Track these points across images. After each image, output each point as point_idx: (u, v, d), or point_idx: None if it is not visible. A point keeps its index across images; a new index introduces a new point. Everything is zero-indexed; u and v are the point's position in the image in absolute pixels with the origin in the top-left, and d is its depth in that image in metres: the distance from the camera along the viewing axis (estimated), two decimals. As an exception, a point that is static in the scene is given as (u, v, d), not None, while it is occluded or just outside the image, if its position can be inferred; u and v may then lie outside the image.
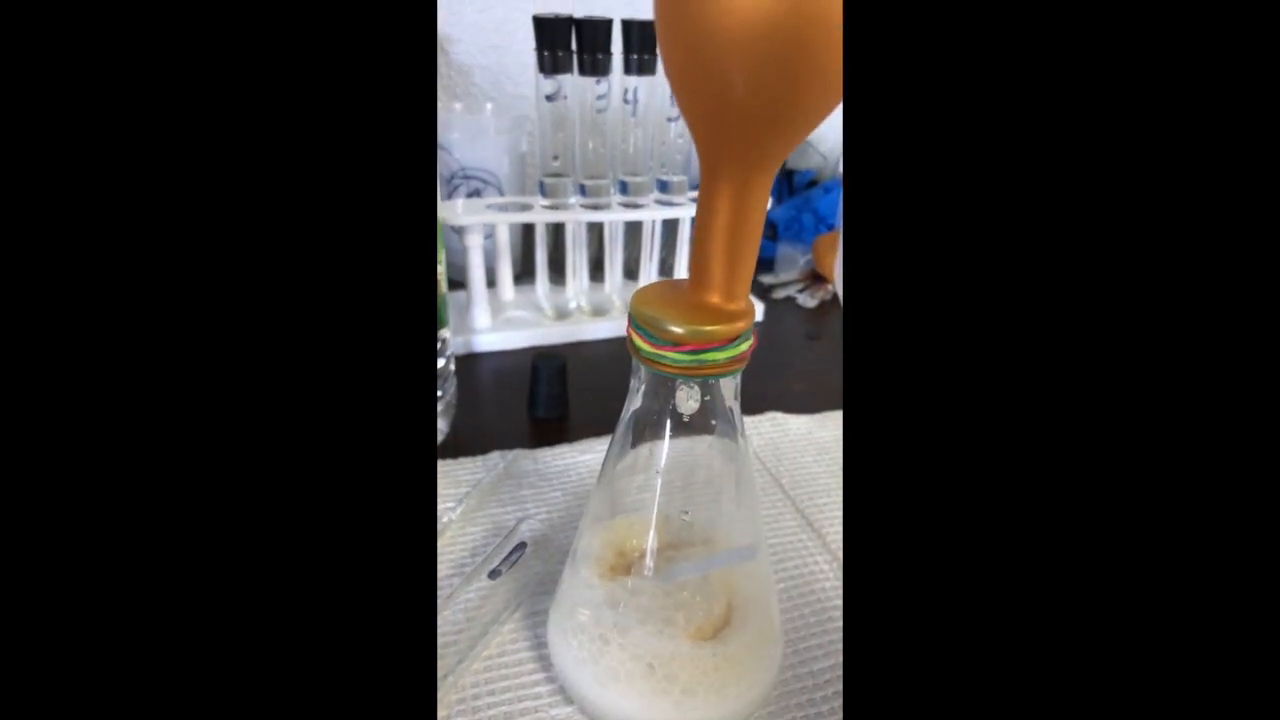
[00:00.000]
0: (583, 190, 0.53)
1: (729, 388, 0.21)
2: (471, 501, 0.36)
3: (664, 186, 0.55)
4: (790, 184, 0.77)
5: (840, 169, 0.81)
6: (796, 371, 0.52)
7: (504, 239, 0.54)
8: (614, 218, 0.54)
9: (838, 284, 0.52)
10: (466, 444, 0.41)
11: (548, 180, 0.52)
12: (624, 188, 0.54)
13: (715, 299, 0.19)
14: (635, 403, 0.22)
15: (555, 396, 0.44)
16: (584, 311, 0.57)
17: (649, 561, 0.23)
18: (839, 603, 0.31)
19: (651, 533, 0.23)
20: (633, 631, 0.22)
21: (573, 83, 0.48)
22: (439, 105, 0.61)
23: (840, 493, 0.38)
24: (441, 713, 0.25)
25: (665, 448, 0.22)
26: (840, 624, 0.30)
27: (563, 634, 0.24)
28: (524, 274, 0.62)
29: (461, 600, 0.30)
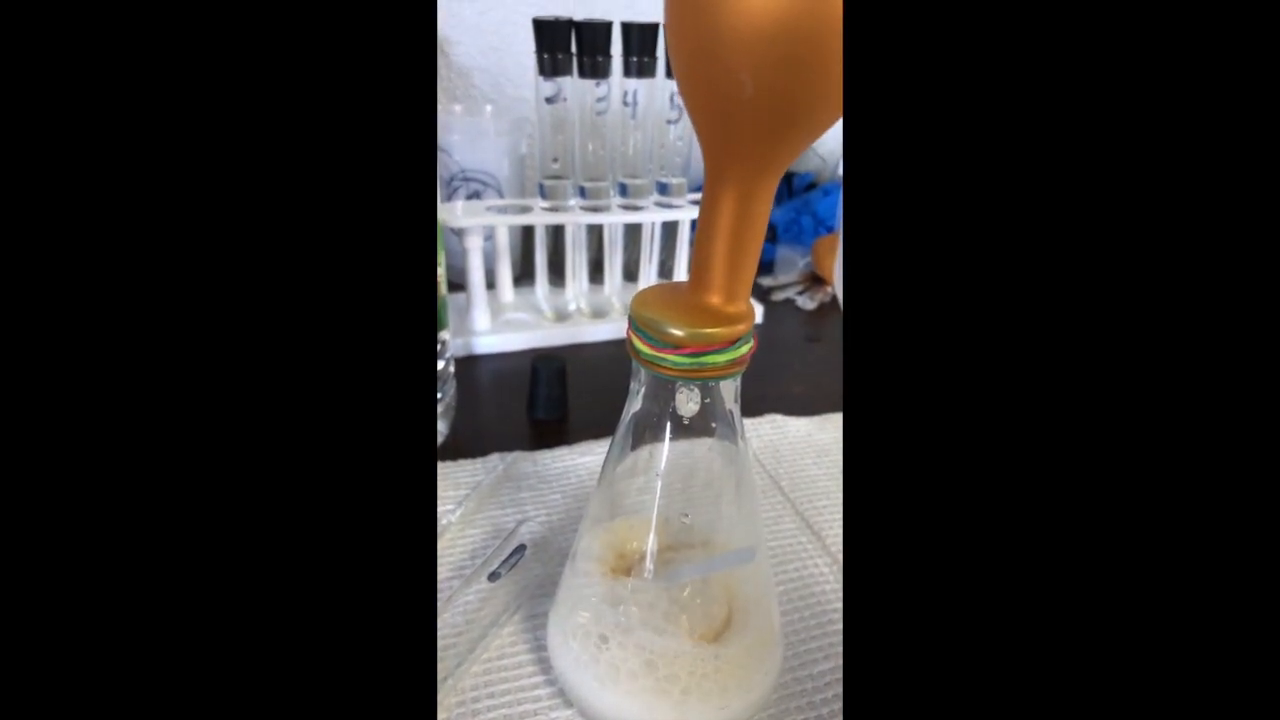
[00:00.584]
0: (582, 192, 0.53)
1: (729, 390, 0.21)
2: (471, 504, 0.36)
3: (663, 189, 0.55)
4: (790, 186, 0.77)
5: (839, 171, 0.81)
6: (796, 374, 0.52)
7: (504, 241, 0.54)
8: (614, 220, 0.54)
9: (837, 286, 0.52)
10: (466, 446, 0.41)
11: (547, 182, 0.52)
12: (623, 190, 0.54)
13: (716, 300, 0.19)
14: (635, 405, 0.22)
15: (555, 399, 0.44)
16: (583, 314, 0.57)
17: (649, 564, 0.23)
18: (839, 605, 0.31)
19: (651, 535, 0.23)
20: (633, 633, 0.22)
21: (572, 85, 0.48)
22: (439, 107, 0.62)
23: (840, 495, 0.38)
24: (441, 715, 0.25)
25: (665, 450, 0.22)
26: (840, 627, 0.30)
27: (562, 636, 0.24)
28: (523, 276, 0.62)
29: (461, 603, 0.29)
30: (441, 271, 0.39)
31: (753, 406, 0.46)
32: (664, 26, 0.16)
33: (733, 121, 0.16)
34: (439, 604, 0.29)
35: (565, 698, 0.26)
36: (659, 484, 0.22)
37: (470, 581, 0.30)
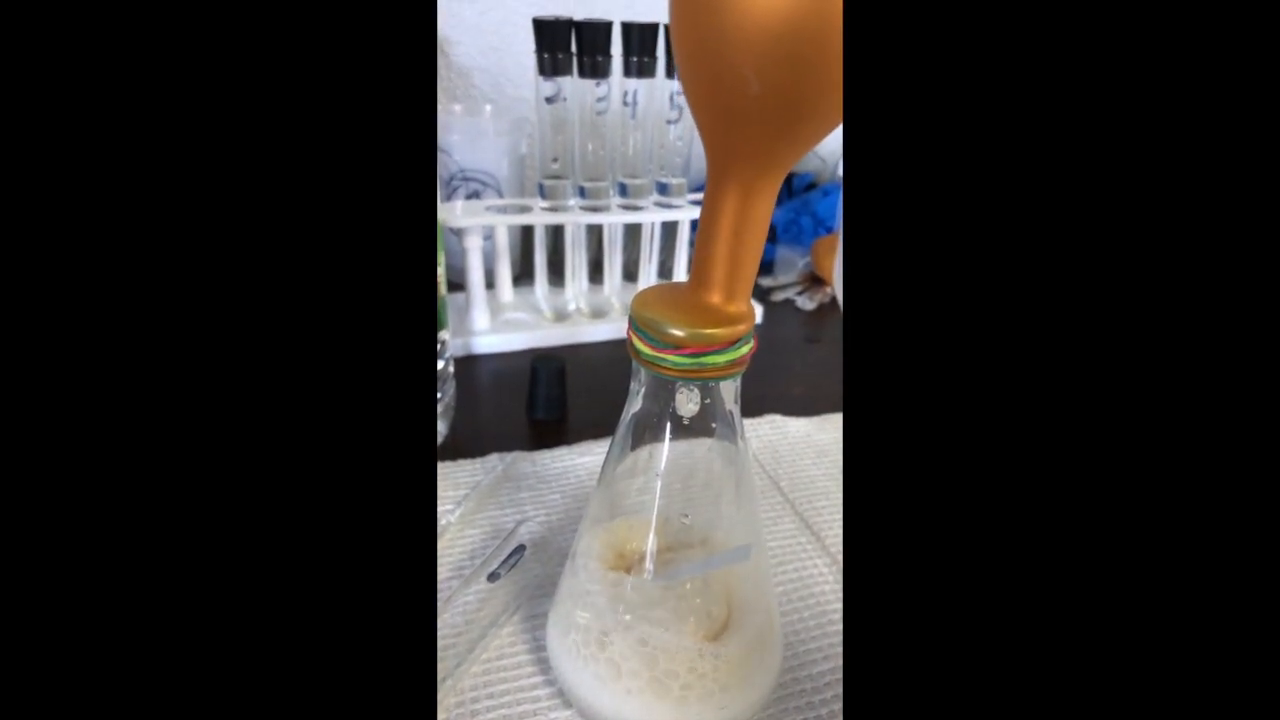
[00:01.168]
0: (582, 192, 0.53)
1: (729, 391, 0.21)
2: (470, 504, 0.36)
3: (663, 189, 0.55)
4: (789, 187, 0.77)
5: (839, 172, 0.81)
6: (795, 374, 0.52)
7: (503, 241, 0.54)
8: (613, 220, 0.54)
9: (837, 287, 0.52)
10: (465, 446, 0.41)
11: (547, 182, 0.52)
12: (623, 190, 0.54)
13: (716, 300, 0.19)
14: (635, 405, 0.22)
15: (554, 399, 0.44)
16: (583, 314, 0.57)
17: (648, 564, 0.23)
18: (838, 606, 0.31)
19: (651, 535, 0.23)
20: (632, 633, 0.22)
21: (572, 85, 0.48)
22: (438, 107, 0.61)
23: (839, 495, 0.38)
24: (440, 716, 0.25)
25: (665, 450, 0.22)
26: (839, 627, 0.30)
27: (562, 636, 0.24)
28: (523, 276, 0.62)
29: (460, 603, 0.29)
30: (441, 271, 0.39)
31: (752, 407, 0.46)
32: (669, 24, 0.16)
33: (737, 120, 0.16)
34: (438, 604, 0.29)
35: (564, 698, 0.26)
36: (659, 484, 0.22)
37: (469, 582, 0.30)
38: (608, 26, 0.47)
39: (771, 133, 0.16)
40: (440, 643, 0.27)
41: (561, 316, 0.57)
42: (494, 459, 0.39)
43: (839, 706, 0.27)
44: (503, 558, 0.32)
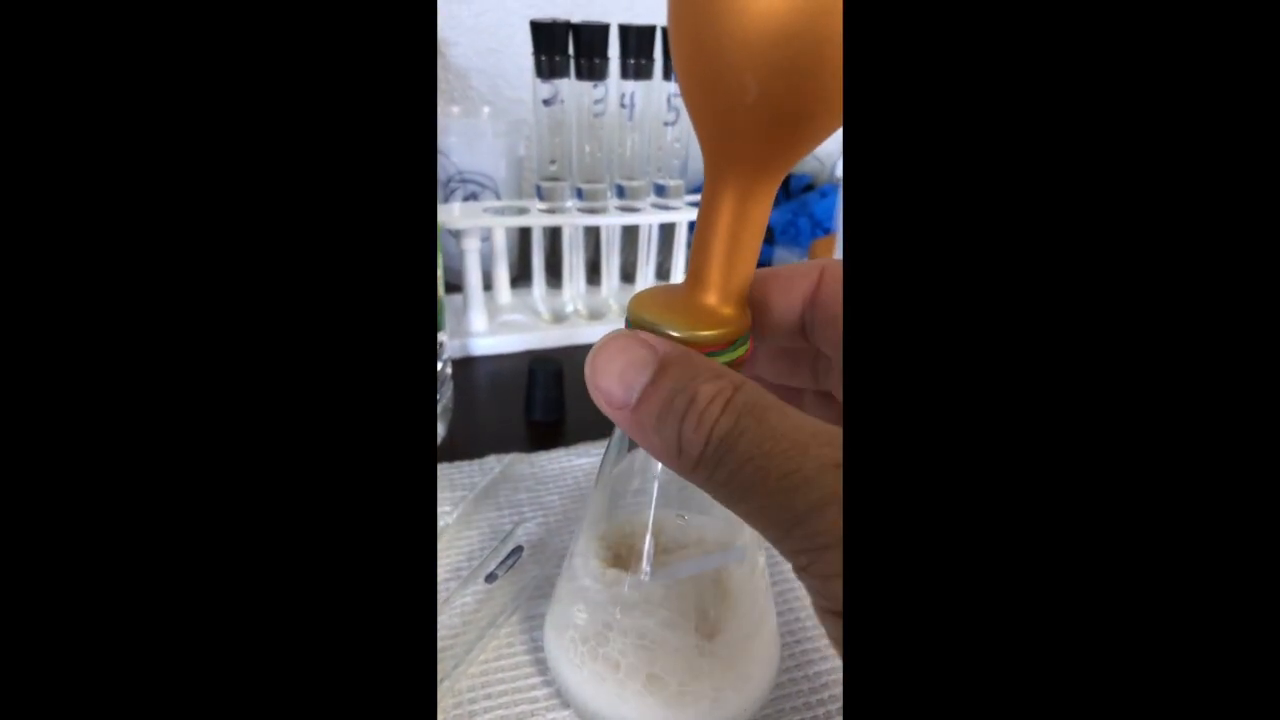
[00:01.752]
0: (579, 194, 0.53)
1: (726, 391, 0.21)
2: (468, 505, 0.36)
3: (661, 190, 0.55)
4: (787, 188, 0.78)
5: (837, 173, 0.82)
6: (793, 375, 0.52)
7: (501, 242, 0.54)
8: (611, 221, 0.54)
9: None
10: (463, 448, 0.41)
11: (545, 184, 0.52)
12: (621, 192, 0.54)
13: (713, 302, 0.19)
14: (632, 406, 0.22)
15: (552, 400, 0.44)
16: (581, 315, 0.57)
17: (645, 564, 0.23)
18: (836, 606, 0.31)
19: (648, 536, 0.23)
20: (629, 633, 0.22)
21: (570, 87, 0.48)
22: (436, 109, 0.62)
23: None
24: (439, 717, 0.25)
25: (662, 451, 0.22)
26: (837, 627, 0.30)
27: (559, 636, 0.24)
28: (520, 277, 0.62)
29: (458, 604, 0.29)
30: (439, 273, 0.39)
31: (750, 408, 0.46)
32: (667, 26, 0.16)
33: (734, 124, 0.16)
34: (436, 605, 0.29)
35: (562, 698, 0.26)
36: (655, 485, 0.22)
37: (467, 583, 0.30)
38: (605, 29, 0.47)
39: (769, 137, 0.16)
40: (438, 644, 0.28)
41: (559, 318, 0.57)
42: (492, 460, 0.39)
43: (838, 706, 0.27)
44: (500, 559, 0.32)
